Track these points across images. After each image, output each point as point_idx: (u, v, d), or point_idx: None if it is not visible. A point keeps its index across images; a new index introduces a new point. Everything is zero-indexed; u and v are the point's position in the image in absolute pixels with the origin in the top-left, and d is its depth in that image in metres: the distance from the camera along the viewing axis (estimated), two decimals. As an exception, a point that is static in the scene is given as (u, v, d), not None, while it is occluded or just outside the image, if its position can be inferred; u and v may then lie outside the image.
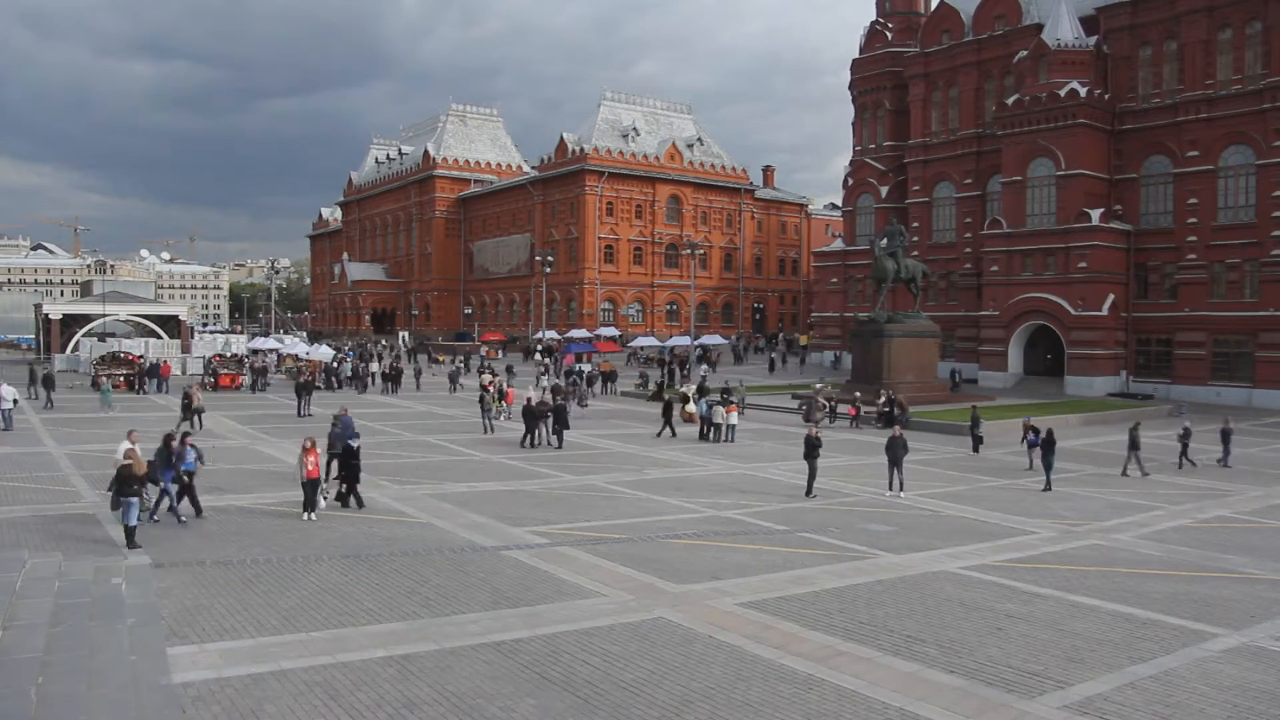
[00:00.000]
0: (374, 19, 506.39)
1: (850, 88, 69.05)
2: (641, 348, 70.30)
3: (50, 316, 59.81)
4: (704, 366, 59.05)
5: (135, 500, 14.33)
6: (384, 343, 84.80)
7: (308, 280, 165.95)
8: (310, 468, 16.81)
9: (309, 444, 17.02)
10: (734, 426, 31.48)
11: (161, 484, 16.39)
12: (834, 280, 70.27)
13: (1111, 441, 34.22)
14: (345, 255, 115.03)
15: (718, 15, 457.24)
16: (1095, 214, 50.70)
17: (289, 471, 20.74)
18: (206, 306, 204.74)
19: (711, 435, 31.18)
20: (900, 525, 18.36)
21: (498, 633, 10.73)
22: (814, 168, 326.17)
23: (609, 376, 49.75)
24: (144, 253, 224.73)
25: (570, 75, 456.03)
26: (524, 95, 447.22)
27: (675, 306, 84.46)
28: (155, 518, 16.13)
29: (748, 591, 12.94)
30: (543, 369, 53.88)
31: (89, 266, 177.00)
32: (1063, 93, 50.60)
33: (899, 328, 42.84)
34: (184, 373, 51.45)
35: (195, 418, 29.79)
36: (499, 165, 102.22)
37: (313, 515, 16.91)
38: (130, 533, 14.28)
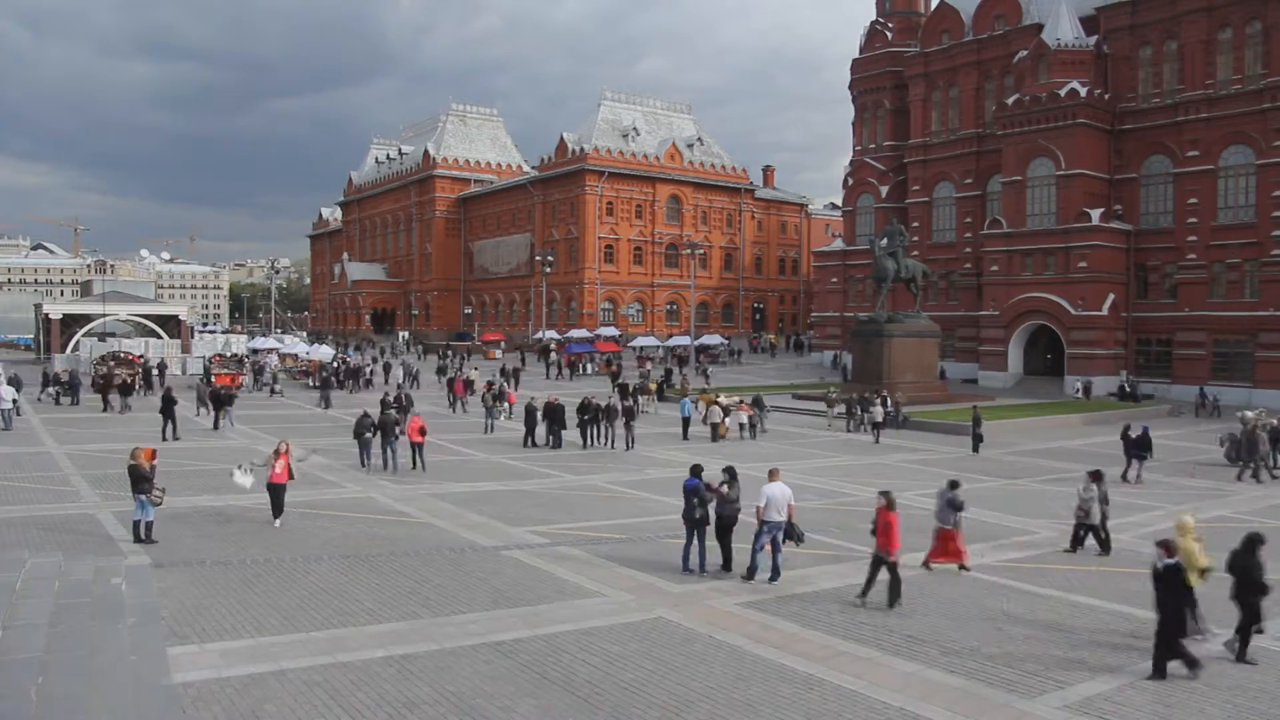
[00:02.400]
0: (374, 17, 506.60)
1: (850, 87, 69.06)
2: (642, 348, 70.33)
3: (50, 316, 59.75)
4: (711, 368, 58.83)
5: (144, 498, 14.63)
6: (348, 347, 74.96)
7: (308, 280, 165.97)
8: (278, 471, 16.27)
9: (283, 447, 16.61)
10: (716, 426, 31.75)
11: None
12: (834, 280, 70.28)
13: (1111, 441, 34.21)
14: (345, 255, 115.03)
15: (721, 11, 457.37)
16: (1095, 214, 50.72)
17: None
18: (206, 306, 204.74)
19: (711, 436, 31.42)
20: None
21: (498, 633, 10.73)
22: (821, 166, 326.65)
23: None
24: (144, 253, 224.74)
25: (574, 73, 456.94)
26: (527, 93, 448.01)
27: (675, 306, 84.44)
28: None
29: (748, 591, 12.94)
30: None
31: (89, 266, 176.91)
32: (1063, 93, 50.61)
33: (899, 328, 42.87)
34: (184, 372, 51.43)
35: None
36: (499, 165, 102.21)
37: (278, 522, 16.30)
38: (137, 528, 14.66)
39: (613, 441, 29.09)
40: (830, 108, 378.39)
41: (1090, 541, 16.31)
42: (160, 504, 15.02)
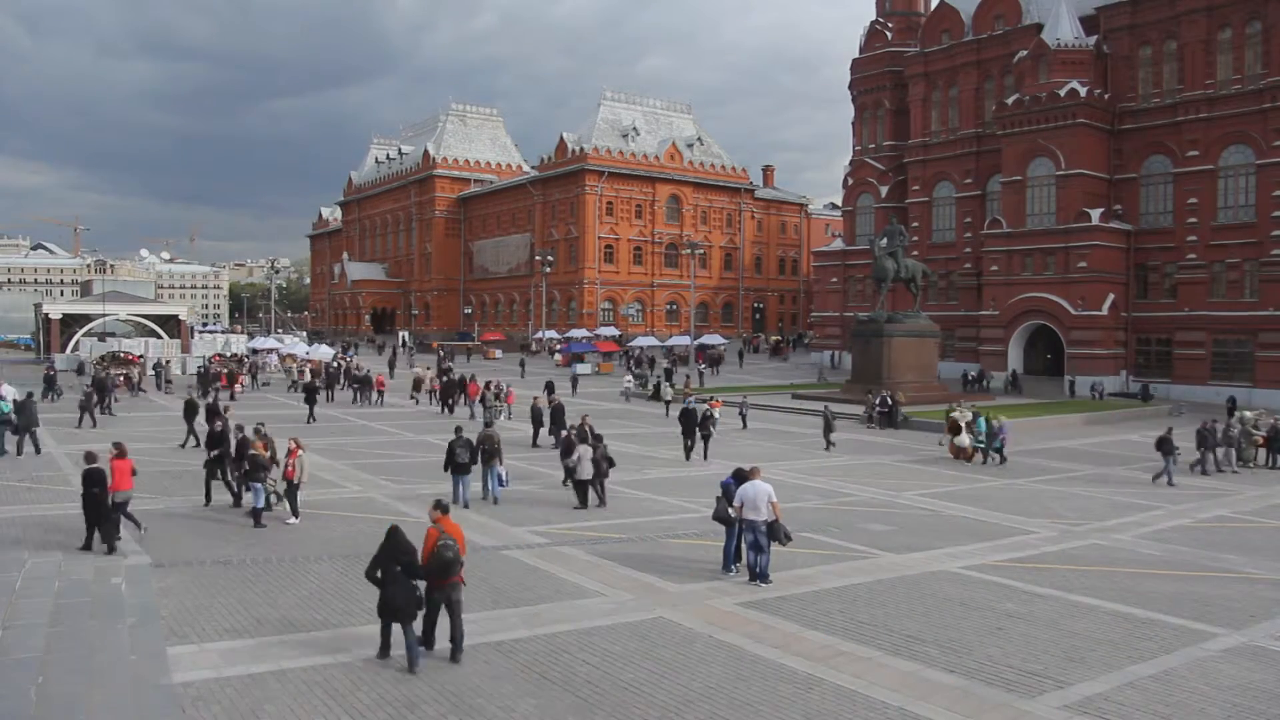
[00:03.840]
0: (374, 15, 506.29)
1: (850, 87, 69.07)
2: (641, 348, 70.32)
3: (50, 316, 59.78)
4: (702, 367, 58.95)
5: (260, 485, 16.08)
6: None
7: (308, 280, 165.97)
8: (289, 469, 16.39)
9: (292, 445, 16.65)
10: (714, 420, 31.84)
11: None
12: (834, 280, 70.29)
13: (1111, 441, 34.25)
14: (345, 255, 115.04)
15: (723, 9, 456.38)
16: (1095, 214, 50.72)
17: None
18: (206, 306, 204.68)
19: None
20: (900, 525, 18.36)
21: (498, 633, 10.73)
22: (824, 166, 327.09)
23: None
24: (144, 252, 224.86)
25: (576, 71, 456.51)
26: (529, 91, 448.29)
27: (675, 306, 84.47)
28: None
29: (747, 591, 12.93)
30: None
31: (89, 266, 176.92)
32: (1062, 92, 50.61)
33: (899, 328, 42.85)
34: (183, 372, 51.48)
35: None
36: (499, 165, 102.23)
37: (294, 519, 16.44)
38: (256, 514, 16.01)
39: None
40: (833, 106, 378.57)
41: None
42: (272, 492, 16.38)
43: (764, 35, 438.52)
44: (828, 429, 30.15)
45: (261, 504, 16.11)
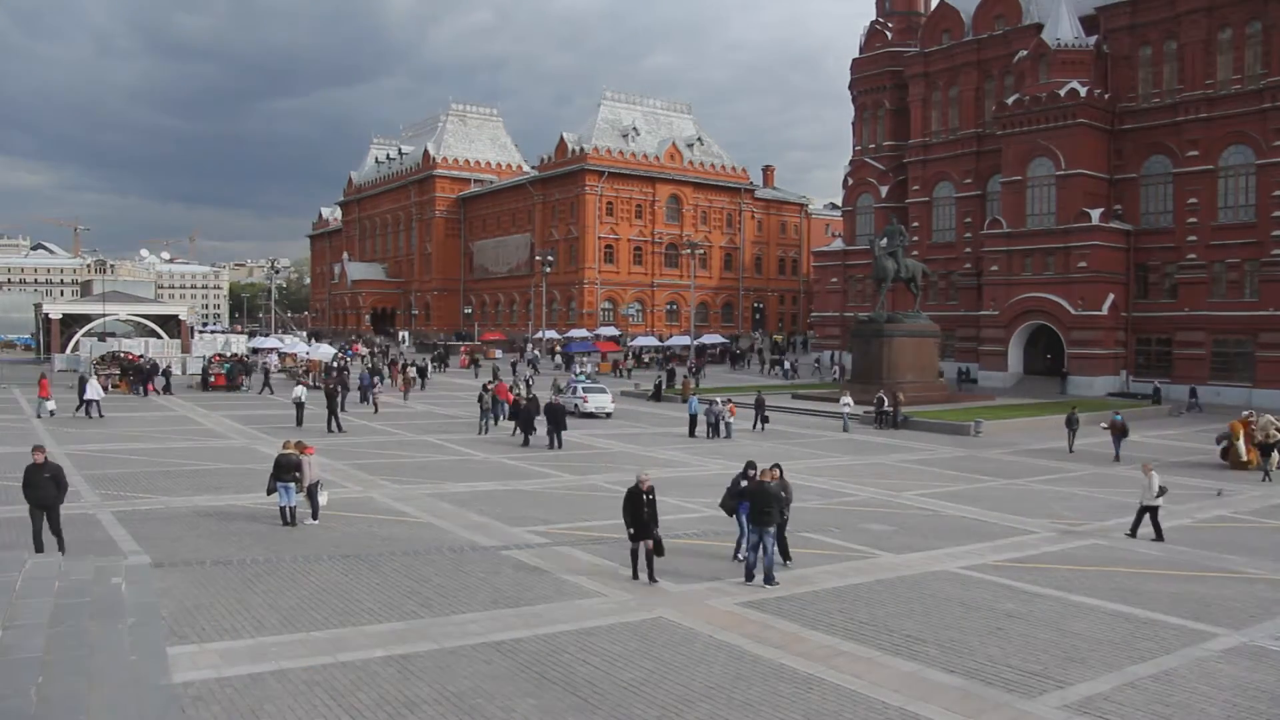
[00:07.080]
0: (375, 12, 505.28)
1: (850, 87, 69.09)
2: (642, 348, 70.30)
3: (50, 316, 59.75)
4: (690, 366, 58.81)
5: (291, 485, 16.01)
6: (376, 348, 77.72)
7: (308, 280, 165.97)
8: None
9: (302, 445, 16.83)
10: (730, 424, 31.85)
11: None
12: (834, 280, 70.31)
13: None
14: (345, 255, 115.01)
15: (730, 3, 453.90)
16: (1095, 214, 50.73)
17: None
18: (206, 306, 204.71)
19: (709, 434, 31.54)
20: (900, 525, 18.37)
21: (498, 633, 10.73)
22: (831, 165, 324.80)
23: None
24: (144, 252, 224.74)
25: (580, 69, 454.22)
26: (533, 89, 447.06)
27: (675, 306, 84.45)
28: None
29: (747, 591, 12.94)
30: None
31: (89, 266, 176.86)
32: (1063, 92, 50.62)
33: (899, 328, 42.88)
34: (184, 372, 51.49)
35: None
36: (499, 165, 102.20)
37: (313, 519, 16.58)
38: (285, 512, 16.01)
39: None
40: (841, 104, 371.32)
41: None
42: (302, 492, 16.24)
43: (772, 31, 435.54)
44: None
45: (293, 502, 16.05)
